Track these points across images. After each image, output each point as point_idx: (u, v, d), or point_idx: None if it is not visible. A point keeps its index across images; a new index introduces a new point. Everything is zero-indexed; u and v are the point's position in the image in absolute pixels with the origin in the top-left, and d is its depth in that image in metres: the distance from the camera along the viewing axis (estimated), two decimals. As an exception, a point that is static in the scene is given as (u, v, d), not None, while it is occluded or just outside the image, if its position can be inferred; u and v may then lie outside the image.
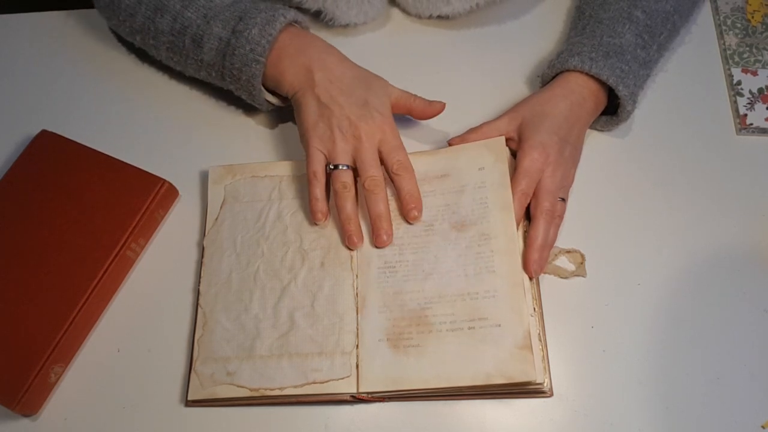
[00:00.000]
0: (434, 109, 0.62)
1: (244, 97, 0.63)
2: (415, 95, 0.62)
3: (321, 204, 0.58)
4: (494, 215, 0.57)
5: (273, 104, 0.64)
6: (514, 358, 0.51)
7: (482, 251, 0.56)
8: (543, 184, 0.58)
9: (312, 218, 0.59)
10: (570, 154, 0.60)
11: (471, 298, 0.54)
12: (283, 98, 0.64)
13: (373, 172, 0.58)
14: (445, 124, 0.66)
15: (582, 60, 0.60)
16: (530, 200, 0.58)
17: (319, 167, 0.58)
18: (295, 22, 0.62)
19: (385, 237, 0.57)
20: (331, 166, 0.58)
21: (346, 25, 0.72)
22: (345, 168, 0.58)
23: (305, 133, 0.59)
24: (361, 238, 0.58)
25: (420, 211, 0.58)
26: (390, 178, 0.59)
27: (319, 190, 0.58)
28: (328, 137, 0.58)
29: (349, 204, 0.58)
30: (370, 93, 0.59)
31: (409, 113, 0.63)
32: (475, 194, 0.58)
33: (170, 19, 0.62)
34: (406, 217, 0.58)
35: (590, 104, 0.61)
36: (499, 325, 0.52)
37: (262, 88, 0.62)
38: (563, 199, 0.59)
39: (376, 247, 0.58)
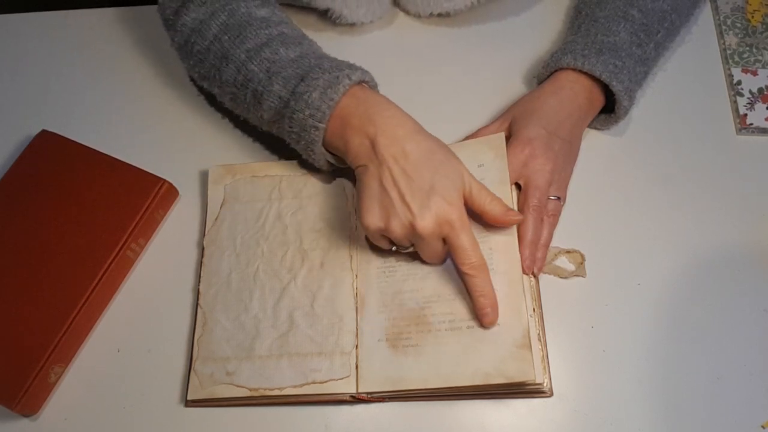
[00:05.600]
0: (509, 219, 0.54)
1: (305, 158, 0.59)
2: (493, 196, 0.54)
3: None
4: None
5: (335, 165, 0.60)
6: (513, 357, 0.51)
7: (480, 249, 0.55)
8: (531, 179, 0.58)
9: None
10: (561, 149, 0.59)
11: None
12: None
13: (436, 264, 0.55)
14: (445, 123, 0.65)
15: (575, 57, 0.60)
16: (520, 197, 0.58)
17: (383, 244, 0.55)
18: (363, 81, 0.56)
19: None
20: (393, 249, 0.55)
21: (352, 24, 0.72)
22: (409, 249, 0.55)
23: (361, 214, 0.53)
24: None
25: (496, 312, 0.52)
26: (459, 273, 0.54)
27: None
28: (385, 222, 0.52)
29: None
30: (438, 176, 0.51)
31: (480, 214, 0.54)
32: None
33: (234, 70, 0.58)
34: (481, 320, 0.52)
35: (582, 100, 0.61)
36: (498, 324, 0.52)
37: (324, 151, 0.57)
38: (558, 198, 0.59)
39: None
